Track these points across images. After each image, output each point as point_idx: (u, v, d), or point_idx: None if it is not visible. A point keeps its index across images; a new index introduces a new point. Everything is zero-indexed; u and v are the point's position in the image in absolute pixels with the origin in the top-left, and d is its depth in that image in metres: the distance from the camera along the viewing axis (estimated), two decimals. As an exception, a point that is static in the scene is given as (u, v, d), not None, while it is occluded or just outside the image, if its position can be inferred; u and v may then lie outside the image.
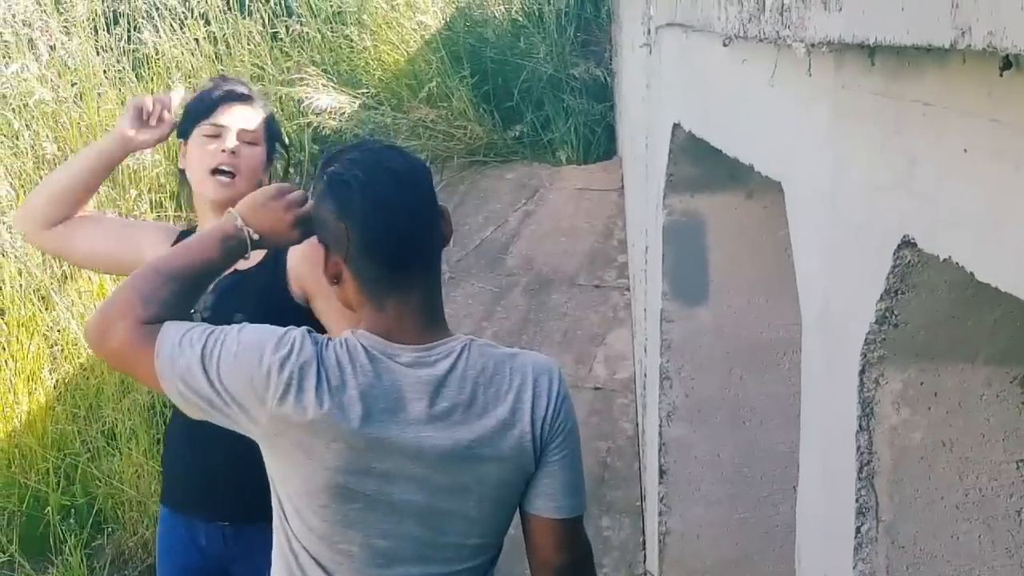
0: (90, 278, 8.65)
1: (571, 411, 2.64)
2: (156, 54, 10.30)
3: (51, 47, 10.26)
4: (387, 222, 2.53)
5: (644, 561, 6.25)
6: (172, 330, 2.54)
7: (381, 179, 2.56)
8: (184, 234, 3.65)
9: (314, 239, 2.69)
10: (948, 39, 1.55)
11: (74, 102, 9.94)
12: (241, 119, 3.73)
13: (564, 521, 2.65)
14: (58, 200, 3.77)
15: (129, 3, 10.47)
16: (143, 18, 10.41)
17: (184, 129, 3.78)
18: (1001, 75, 1.55)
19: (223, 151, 3.67)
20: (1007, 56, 1.49)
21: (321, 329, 3.31)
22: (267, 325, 2.62)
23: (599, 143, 9.80)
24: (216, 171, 3.68)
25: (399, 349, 2.54)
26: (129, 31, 10.40)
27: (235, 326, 2.59)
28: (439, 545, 2.60)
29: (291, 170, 9.53)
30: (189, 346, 2.51)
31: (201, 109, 3.76)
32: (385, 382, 2.51)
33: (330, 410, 2.46)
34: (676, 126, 4.57)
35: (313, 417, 2.46)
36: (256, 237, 2.75)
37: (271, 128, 3.83)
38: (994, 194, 1.69)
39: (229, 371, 2.49)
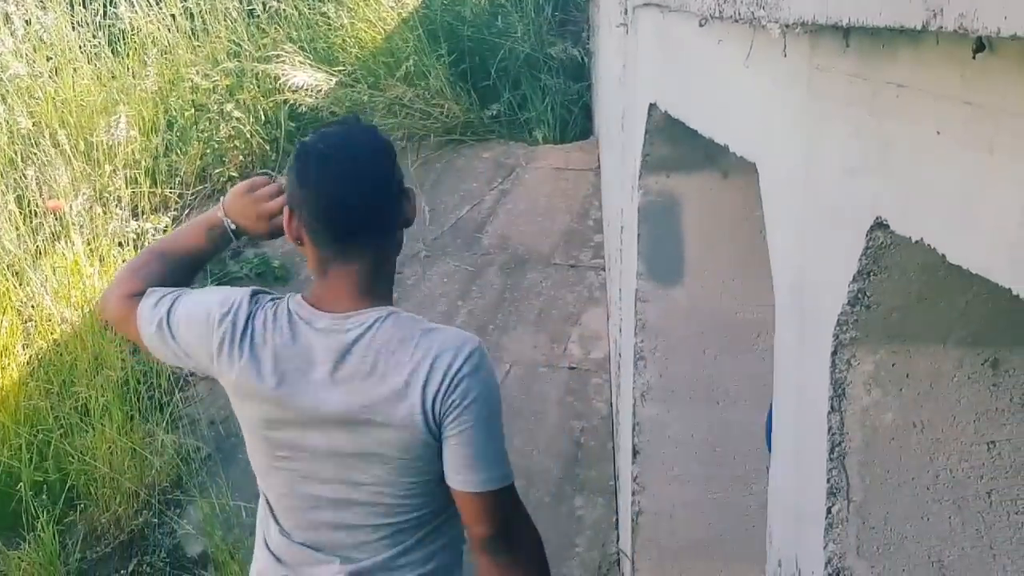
0: (64, 254, 8.62)
1: (471, 388, 2.66)
2: (132, 30, 10.26)
3: (26, 21, 10.21)
4: (337, 194, 2.69)
5: (617, 541, 6.27)
6: (151, 296, 2.88)
7: (340, 155, 2.72)
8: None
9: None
10: (920, 20, 1.55)
11: (49, 77, 9.89)
12: None
13: (476, 495, 2.71)
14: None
15: (105, -22, 10.42)
16: (119, -7, 10.37)
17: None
18: (974, 57, 1.56)
19: None
20: (980, 38, 1.49)
21: None
22: (226, 287, 2.98)
23: (576, 123, 9.79)
24: None
25: (320, 316, 2.72)
26: (105, 6, 10.34)
27: (200, 288, 2.95)
28: (353, 501, 2.76)
29: (267, 148, 9.53)
30: (159, 307, 2.85)
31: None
32: (299, 345, 2.71)
33: (248, 367, 2.71)
34: (652, 106, 4.57)
35: (238, 373, 2.73)
36: (234, 227, 2.98)
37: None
38: (966, 177, 1.69)
39: (185, 328, 2.82)
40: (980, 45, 1.53)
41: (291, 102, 9.65)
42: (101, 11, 10.31)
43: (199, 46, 10.21)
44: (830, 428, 2.34)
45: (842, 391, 2.32)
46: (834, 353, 2.30)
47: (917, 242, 1.89)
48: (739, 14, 2.74)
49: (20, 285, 8.47)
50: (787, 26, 2.38)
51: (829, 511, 2.38)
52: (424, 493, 2.75)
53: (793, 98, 2.56)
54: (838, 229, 2.25)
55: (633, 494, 5.13)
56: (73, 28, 10.23)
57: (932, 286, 2.18)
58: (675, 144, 4.62)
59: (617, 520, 6.35)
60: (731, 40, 3.13)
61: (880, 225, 2.04)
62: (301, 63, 9.83)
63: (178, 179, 9.47)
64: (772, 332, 2.93)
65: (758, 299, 4.64)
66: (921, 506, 2.38)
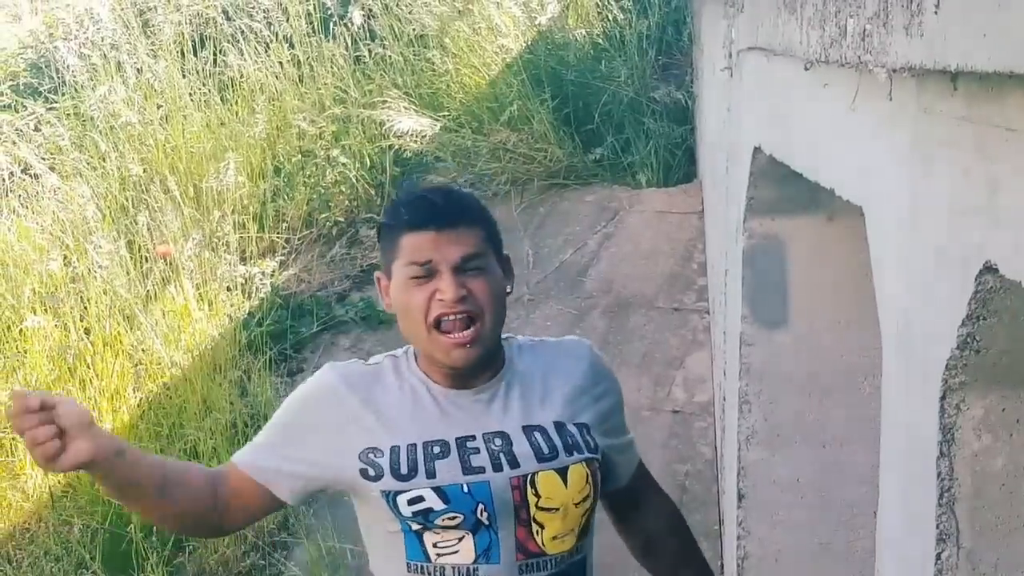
0: (173, 298, 8.76)
1: None
2: (241, 77, 10.44)
3: (138, 70, 10.43)
4: (428, 197, 2.70)
5: (722, 585, 6.23)
6: None
7: (427, 190, 2.83)
8: None
9: None
10: (1030, 65, 1.55)
11: (160, 124, 10.08)
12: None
13: None
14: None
15: (215, 27, 10.62)
16: (228, 41, 10.55)
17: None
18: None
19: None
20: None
21: None
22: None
23: (679, 166, 9.78)
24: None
25: None
26: (215, 54, 10.54)
27: None
28: None
29: (372, 193, 9.61)
30: None
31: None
32: None
33: None
34: (757, 149, 4.56)
35: None
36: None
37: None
38: (1077, 220, 1.68)
39: None
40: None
41: (396, 147, 9.76)
42: (211, 59, 10.50)
43: (306, 93, 10.36)
44: (939, 473, 2.32)
45: (951, 436, 2.30)
46: (943, 398, 2.28)
47: (1027, 286, 1.87)
48: (845, 58, 2.74)
49: (131, 329, 8.61)
50: (893, 70, 2.38)
51: (938, 557, 2.35)
52: None
53: (899, 141, 2.55)
54: (946, 272, 2.24)
55: (738, 539, 5.10)
56: (183, 76, 10.43)
57: (1043, 330, 2.16)
58: (780, 187, 4.61)
59: (722, 564, 6.31)
60: (837, 83, 3.13)
61: (989, 269, 2.02)
62: (406, 108, 9.94)
63: (285, 224, 9.60)
64: (878, 376, 2.91)
65: (864, 343, 4.60)
66: (1033, 553, 2.35)
